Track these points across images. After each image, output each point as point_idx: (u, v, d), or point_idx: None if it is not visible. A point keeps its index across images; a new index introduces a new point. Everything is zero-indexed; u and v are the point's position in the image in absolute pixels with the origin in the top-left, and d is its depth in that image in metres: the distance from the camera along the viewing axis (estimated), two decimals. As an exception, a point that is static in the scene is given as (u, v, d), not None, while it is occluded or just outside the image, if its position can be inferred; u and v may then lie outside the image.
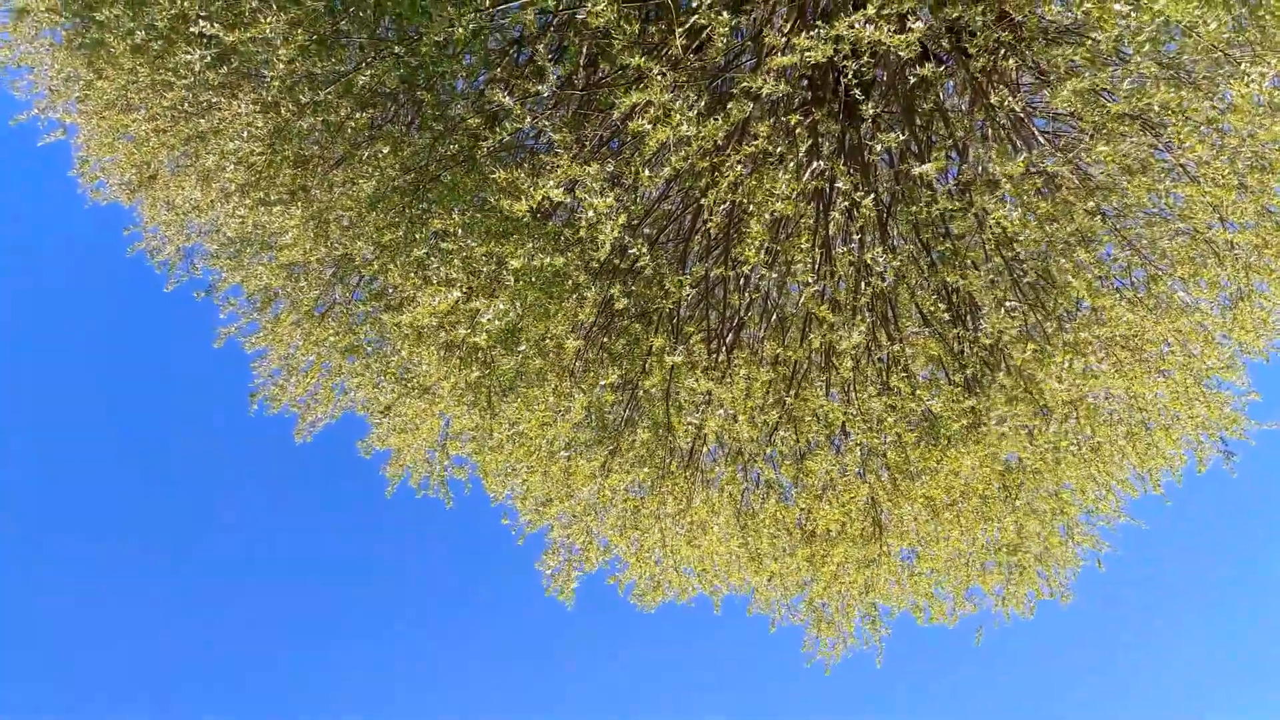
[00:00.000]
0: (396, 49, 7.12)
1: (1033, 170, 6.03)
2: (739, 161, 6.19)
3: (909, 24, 5.24)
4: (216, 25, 6.19)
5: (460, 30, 6.40)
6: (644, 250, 5.95)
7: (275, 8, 6.43)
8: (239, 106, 6.94)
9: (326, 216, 7.75)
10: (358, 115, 7.11)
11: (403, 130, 7.70)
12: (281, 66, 6.58)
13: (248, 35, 6.31)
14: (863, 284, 7.10)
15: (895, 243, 7.74)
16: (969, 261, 6.69)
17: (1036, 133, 6.69)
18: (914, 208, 6.35)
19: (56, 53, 8.00)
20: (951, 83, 7.42)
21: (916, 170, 5.81)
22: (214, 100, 7.08)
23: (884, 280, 6.87)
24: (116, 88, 7.21)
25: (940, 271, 6.71)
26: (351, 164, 7.51)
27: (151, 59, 6.91)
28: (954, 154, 6.62)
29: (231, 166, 7.47)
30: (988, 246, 6.64)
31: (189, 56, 6.46)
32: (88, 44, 7.42)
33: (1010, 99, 6.33)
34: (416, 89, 7.31)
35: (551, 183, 5.75)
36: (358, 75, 6.96)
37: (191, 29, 6.28)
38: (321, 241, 7.73)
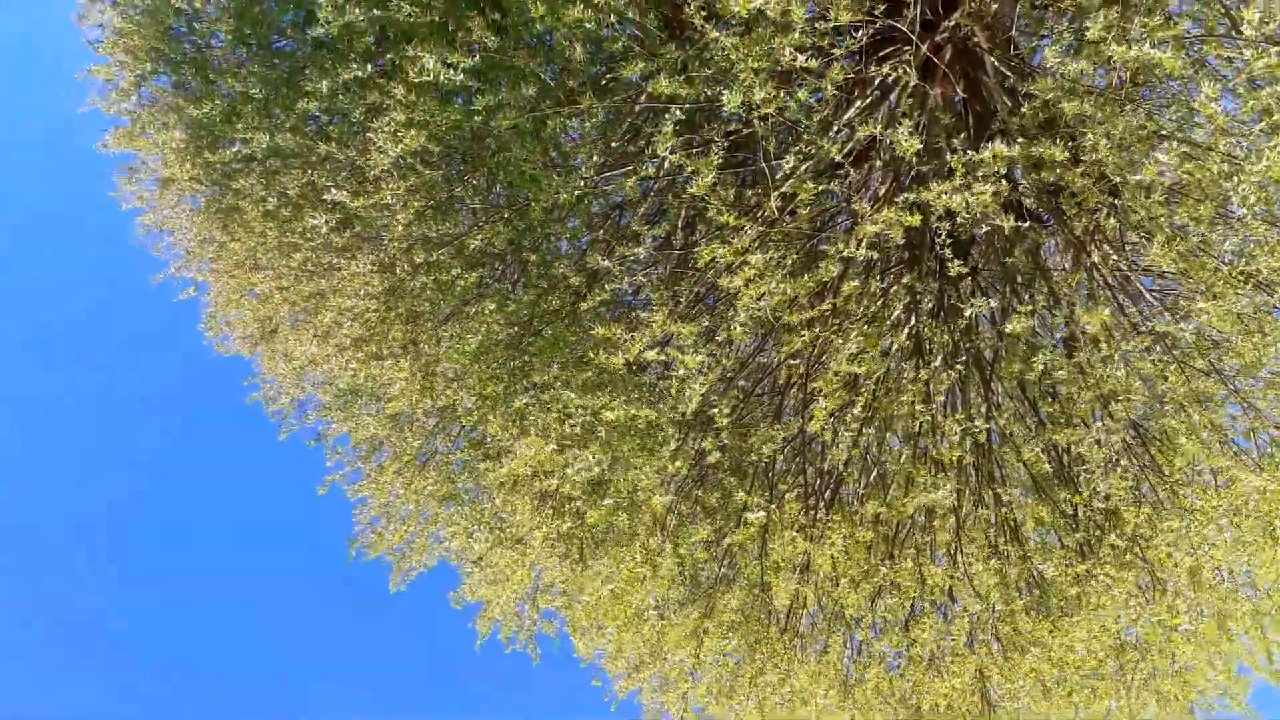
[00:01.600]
0: (506, 213, 7.54)
1: (1141, 329, 5.86)
2: (831, 317, 6.21)
3: (1000, 187, 5.28)
4: (343, 193, 6.68)
5: (565, 196, 6.74)
6: (725, 412, 5.95)
7: (397, 175, 6.91)
8: (358, 267, 7.37)
9: (433, 369, 8.03)
10: (467, 274, 7.46)
11: (508, 288, 8.04)
12: (400, 229, 7.02)
13: (370, 201, 6.78)
14: (966, 443, 6.90)
15: (999, 400, 7.55)
16: (1077, 420, 6.45)
17: (1143, 290, 6.54)
18: (1017, 365, 6.21)
19: (195, 217, 8.73)
20: (1052, 241, 7.37)
21: (1010, 328, 5.71)
22: (335, 261, 7.55)
23: (989, 439, 6.67)
24: (246, 249, 7.79)
25: (1048, 430, 6.48)
26: (459, 320, 7.84)
27: (280, 223, 7.46)
28: (1056, 311, 6.49)
29: (348, 322, 7.88)
30: (1095, 405, 6.40)
31: (315, 221, 6.94)
32: (224, 209, 8.08)
33: (1114, 256, 6.24)
34: (523, 250, 7.66)
35: (646, 339, 5.86)
36: (470, 238, 7.36)
37: (319, 196, 6.78)
38: (427, 393, 8.00)
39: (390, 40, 6.78)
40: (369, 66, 6.29)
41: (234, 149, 7.27)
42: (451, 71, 5.92)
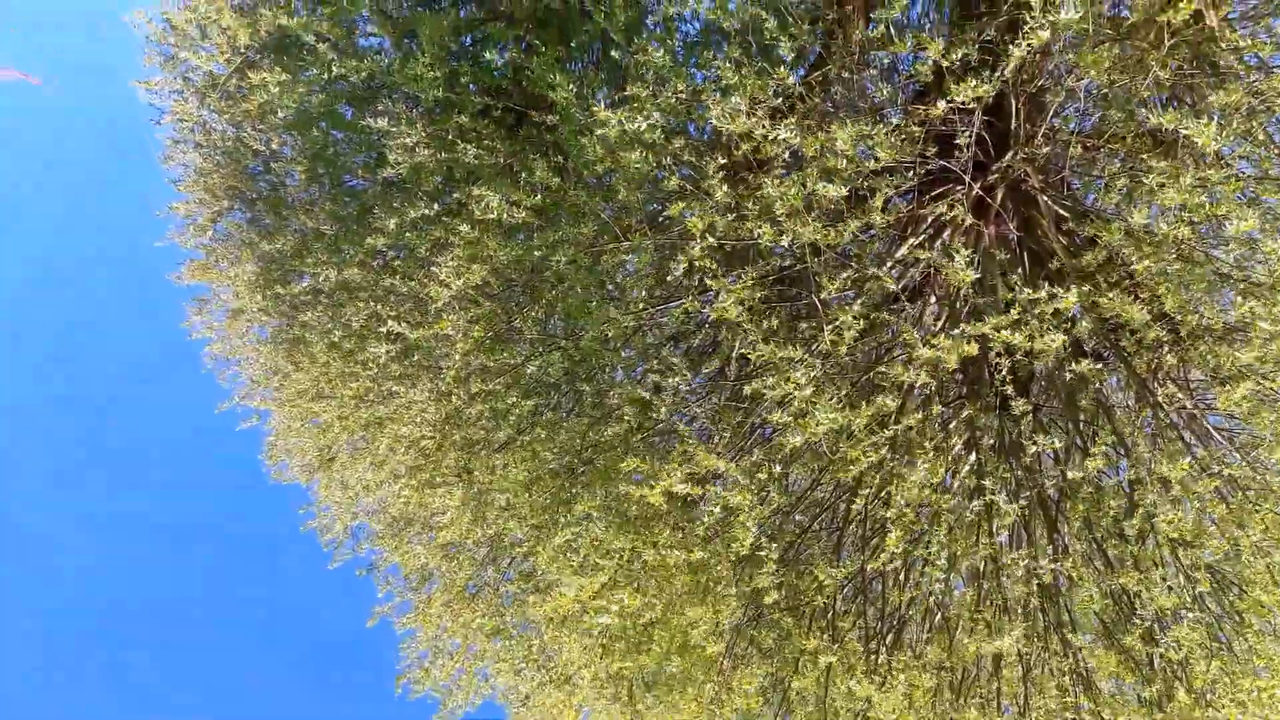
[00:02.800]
0: (563, 343, 7.65)
1: (1209, 472, 5.66)
2: (891, 449, 6.11)
3: (1059, 325, 5.23)
4: (404, 324, 6.85)
5: (619, 329, 6.83)
6: (778, 549, 5.81)
7: (458, 307, 7.08)
8: (415, 394, 7.49)
9: (485, 497, 8.02)
10: (523, 403, 7.53)
11: (562, 417, 8.08)
12: (457, 359, 7.14)
13: (430, 332, 6.94)
14: (1033, 584, 6.63)
15: (1066, 541, 7.28)
16: (1148, 564, 6.17)
17: (1211, 430, 6.35)
18: (1082, 507, 6.01)
19: (261, 347, 8.99)
20: (1115, 378, 7.24)
21: (1074, 474, 5.56)
22: (394, 389, 7.69)
23: (1055, 582, 6.41)
24: (310, 378, 7.97)
25: (1116, 574, 6.20)
26: (513, 448, 7.86)
27: (344, 354, 7.65)
28: (1121, 451, 6.32)
29: (403, 449, 7.95)
30: (1164, 550, 6.14)
31: (376, 351, 7.11)
32: (290, 340, 8.32)
33: (1178, 395, 6.09)
34: (578, 379, 7.73)
35: (692, 472, 5.80)
36: (526, 367, 7.45)
37: (381, 328, 6.96)
38: (479, 522, 7.97)
39: (457, 180, 7.07)
40: (435, 205, 6.54)
41: (303, 283, 7.54)
42: (515, 210, 6.12)
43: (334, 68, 6.43)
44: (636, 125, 5.31)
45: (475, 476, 8.13)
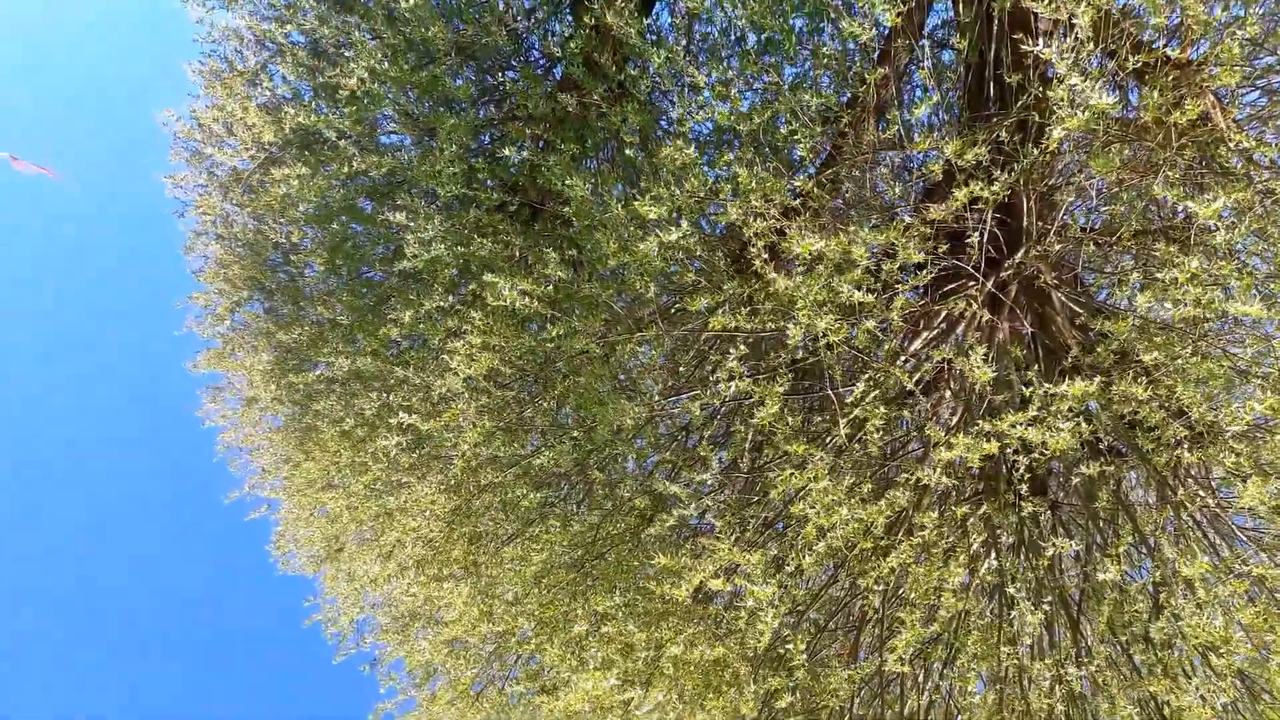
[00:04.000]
0: (575, 434, 7.61)
1: (1236, 574, 5.52)
2: (904, 552, 5.99)
3: (1075, 423, 5.18)
4: (415, 415, 6.84)
5: (631, 421, 6.80)
6: (800, 650, 5.67)
7: (469, 396, 7.08)
8: (425, 486, 7.44)
9: (493, 592, 7.89)
10: (532, 495, 7.46)
11: (573, 508, 7.99)
12: (466, 449, 7.10)
13: (441, 423, 6.92)
14: (1056, 690, 6.41)
15: (1090, 644, 7.07)
16: (1176, 670, 5.97)
17: (1236, 529, 6.21)
18: (1106, 609, 5.85)
19: (274, 436, 8.99)
20: (1134, 474, 7.13)
21: (1100, 576, 5.43)
22: (404, 480, 7.64)
23: (1080, 687, 6.19)
24: (320, 468, 7.94)
25: (1144, 681, 6.00)
26: (522, 541, 7.76)
27: (354, 443, 7.63)
28: (1143, 550, 6.18)
29: (411, 542, 7.85)
30: (1193, 655, 5.95)
31: (386, 442, 7.09)
32: (302, 429, 8.32)
33: (1200, 494, 5.99)
34: (589, 470, 7.67)
35: (710, 568, 5.70)
36: (536, 457, 7.40)
37: (393, 418, 6.95)
38: (485, 617, 7.81)
39: (472, 272, 7.14)
40: (450, 297, 6.60)
41: (317, 371, 7.58)
42: (528, 300, 6.17)
43: (355, 163, 6.57)
44: (657, 211, 5.37)
45: (483, 570, 8.01)
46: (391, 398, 7.16)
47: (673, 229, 5.54)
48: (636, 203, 5.54)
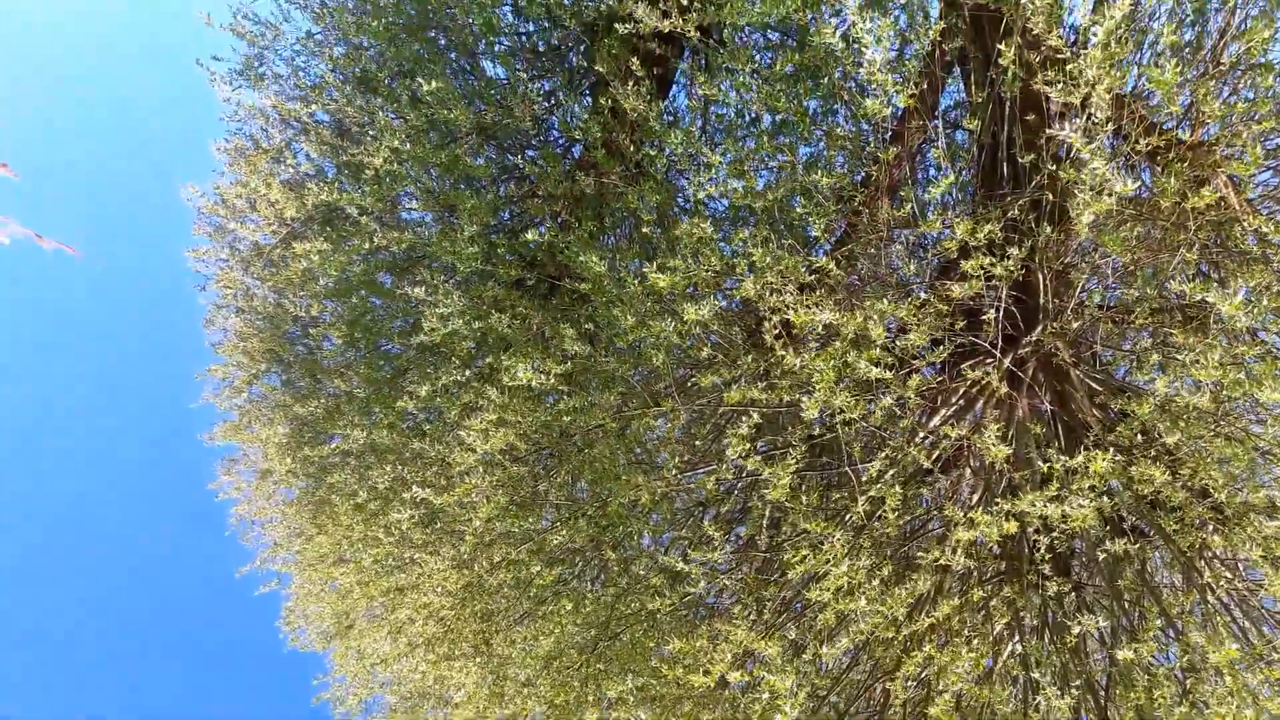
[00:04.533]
0: (589, 509, 7.54)
1: (1266, 661, 5.37)
2: (930, 634, 5.86)
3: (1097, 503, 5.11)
4: (428, 489, 6.81)
5: (647, 497, 6.74)
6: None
7: (483, 471, 7.05)
8: (437, 563, 7.36)
9: (504, 672, 7.74)
10: (546, 572, 7.36)
11: (587, 586, 7.88)
12: (478, 524, 7.04)
13: (454, 498, 6.88)
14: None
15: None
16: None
17: (1266, 613, 6.06)
18: (1134, 694, 5.68)
19: (287, 509, 8.95)
20: (1159, 555, 6.99)
21: (1124, 655, 5.29)
22: (416, 556, 7.57)
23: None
24: (332, 542, 7.88)
25: (1177, 771, 5.79)
26: (534, 620, 7.64)
27: (368, 517, 7.59)
28: (1169, 633, 6.03)
29: (422, 620, 7.74)
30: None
31: (399, 516, 7.04)
32: (315, 502, 8.28)
33: (1227, 576, 5.86)
34: (603, 546, 7.58)
35: (728, 656, 5.59)
36: (551, 534, 7.33)
37: (406, 492, 6.92)
38: (496, 699, 7.65)
39: (489, 345, 7.18)
40: (467, 371, 6.62)
41: (333, 444, 7.57)
42: (544, 377, 6.18)
43: (376, 239, 6.66)
44: (669, 280, 5.39)
45: (495, 649, 7.87)
46: (405, 471, 7.14)
47: (691, 307, 5.57)
48: (647, 271, 5.58)
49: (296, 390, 8.20)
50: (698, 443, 7.69)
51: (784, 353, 5.47)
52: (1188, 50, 5.75)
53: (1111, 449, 5.29)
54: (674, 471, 7.10)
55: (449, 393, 6.86)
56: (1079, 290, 5.86)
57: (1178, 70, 4.44)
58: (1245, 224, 5.32)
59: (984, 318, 5.53)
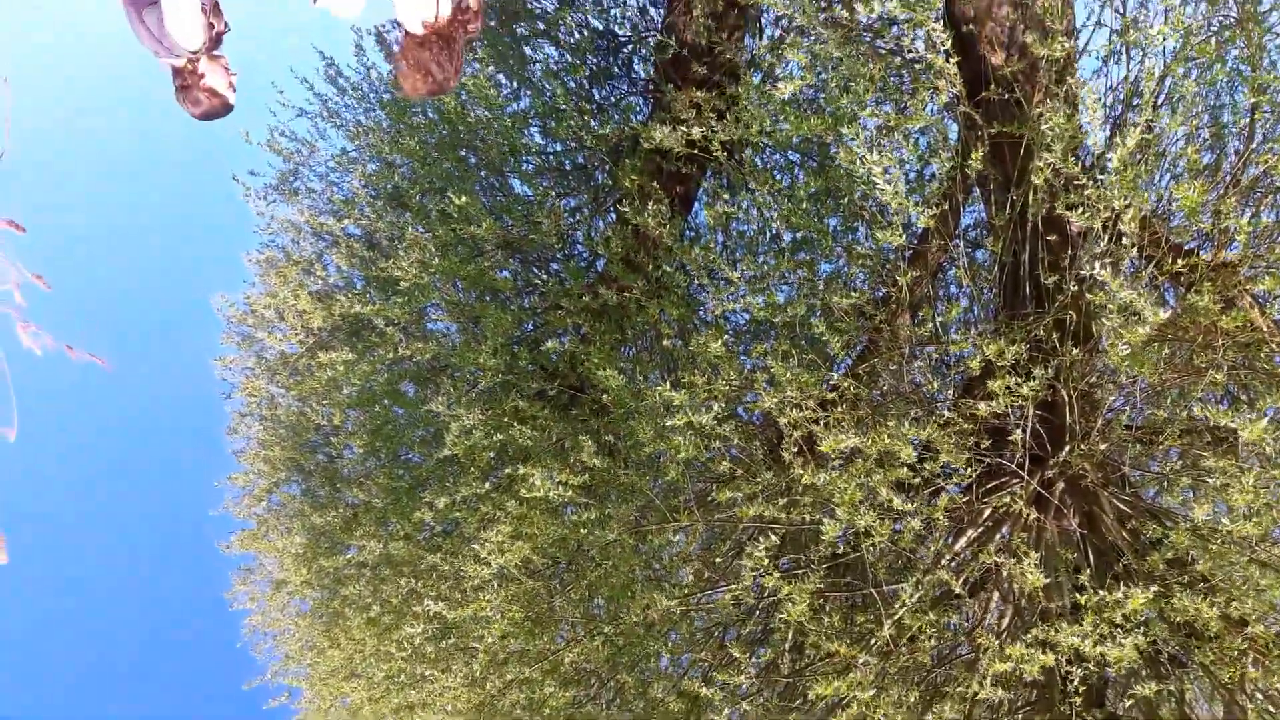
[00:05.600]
0: (606, 628, 7.36)
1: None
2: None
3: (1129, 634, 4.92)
4: (442, 604, 6.68)
5: (664, 614, 6.58)
6: None
7: (498, 585, 6.92)
8: (448, 680, 7.17)
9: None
10: (560, 693, 7.14)
11: (602, 709, 7.62)
12: (490, 640, 6.88)
13: (468, 613, 6.74)
14: None
15: None
16: None
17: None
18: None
19: (300, 621, 8.80)
20: (1197, 686, 6.69)
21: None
22: (428, 672, 7.38)
23: None
24: (344, 656, 7.70)
25: None
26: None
27: (380, 631, 7.43)
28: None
29: (432, 740, 7.51)
30: None
31: (411, 630, 6.90)
32: (329, 614, 8.14)
33: (1271, 711, 5.59)
34: (619, 668, 7.36)
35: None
36: (565, 653, 7.14)
37: (419, 606, 6.80)
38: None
39: (510, 456, 7.14)
40: (485, 483, 6.58)
41: (348, 555, 7.49)
42: (561, 489, 6.12)
43: (400, 349, 6.73)
44: (692, 414, 5.38)
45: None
46: (419, 585, 7.03)
47: (704, 412, 5.55)
48: (659, 388, 5.58)
49: (315, 499, 8.17)
50: (717, 559, 7.54)
51: (804, 470, 5.40)
52: (1207, 172, 5.81)
53: (1145, 579, 5.13)
54: (691, 590, 6.95)
55: (468, 504, 6.80)
56: (1105, 411, 5.79)
57: (1202, 189, 4.47)
58: (1272, 345, 5.27)
59: (1010, 438, 5.46)
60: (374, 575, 7.58)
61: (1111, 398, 5.75)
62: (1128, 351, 4.63)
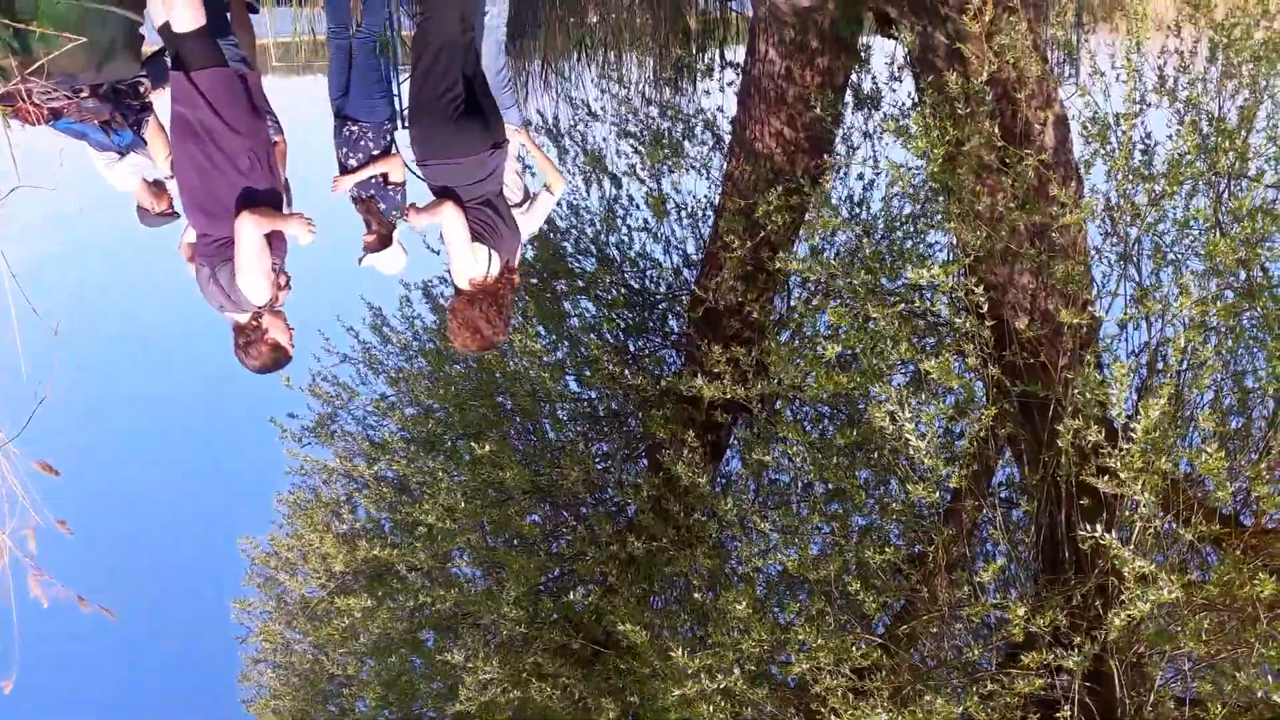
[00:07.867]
0: None
1: None
2: None
3: None
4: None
5: None
6: None
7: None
8: None
9: None
10: None
11: None
12: None
13: None
14: None
15: None
16: None
17: None
18: None
19: None
20: None
21: None
22: None
23: None
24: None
25: None
26: None
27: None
28: None
29: None
30: None
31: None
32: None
33: None
34: None
35: None
36: None
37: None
38: None
39: (527, 716, 6.80)
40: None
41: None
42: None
43: (421, 596, 6.59)
44: (718, 680, 5.15)
45: None
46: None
47: (730, 676, 5.29)
48: (678, 655, 5.33)
49: (322, 755, 7.76)
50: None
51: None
52: (1235, 438, 5.79)
53: None
54: None
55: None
56: (1155, 684, 5.47)
57: (1222, 457, 4.41)
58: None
59: (1058, 715, 5.14)
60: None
61: (1159, 670, 5.46)
62: (1152, 625, 4.44)
